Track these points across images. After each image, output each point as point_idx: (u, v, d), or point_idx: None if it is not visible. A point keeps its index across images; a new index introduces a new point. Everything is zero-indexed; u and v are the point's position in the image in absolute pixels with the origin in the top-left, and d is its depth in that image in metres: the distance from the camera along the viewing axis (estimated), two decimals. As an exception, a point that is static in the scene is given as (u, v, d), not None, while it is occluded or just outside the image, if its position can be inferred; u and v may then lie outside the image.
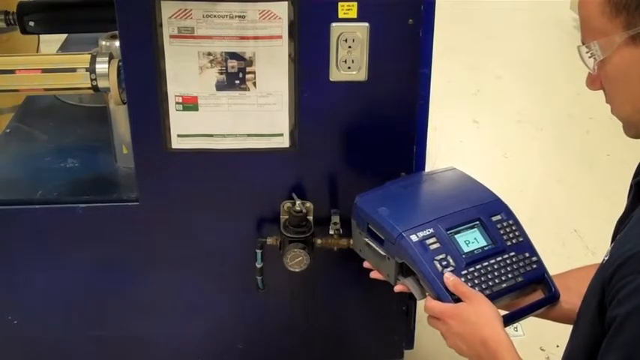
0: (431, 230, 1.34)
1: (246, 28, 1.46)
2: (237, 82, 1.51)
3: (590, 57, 1.05)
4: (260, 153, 1.58)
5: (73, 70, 1.59)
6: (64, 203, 1.64)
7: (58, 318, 1.77)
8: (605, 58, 1.03)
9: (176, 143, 1.57)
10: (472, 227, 1.36)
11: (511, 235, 1.37)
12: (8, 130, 1.95)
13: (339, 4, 1.46)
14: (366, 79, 1.53)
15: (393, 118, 1.59)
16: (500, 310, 1.27)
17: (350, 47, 1.49)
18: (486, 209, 1.40)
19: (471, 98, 3.62)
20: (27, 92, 1.87)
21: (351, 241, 1.59)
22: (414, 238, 1.33)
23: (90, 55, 1.60)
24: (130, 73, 1.52)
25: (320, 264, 1.67)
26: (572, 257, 2.46)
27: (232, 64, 1.49)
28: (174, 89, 1.52)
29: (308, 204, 1.63)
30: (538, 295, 1.36)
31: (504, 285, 1.31)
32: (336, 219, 1.64)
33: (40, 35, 2.27)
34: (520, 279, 1.33)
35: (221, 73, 1.50)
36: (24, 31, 1.97)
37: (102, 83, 1.59)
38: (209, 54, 1.48)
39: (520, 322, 1.35)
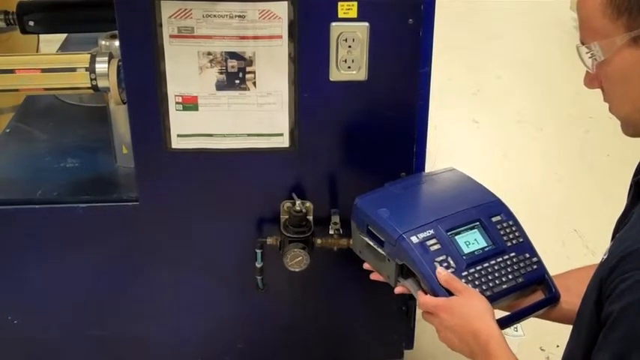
0: (431, 231, 1.33)
1: (246, 27, 1.46)
2: (237, 81, 1.51)
3: (590, 57, 1.05)
4: (260, 153, 1.58)
5: (73, 69, 1.59)
6: (64, 203, 1.64)
7: (58, 318, 1.77)
8: (606, 59, 1.03)
9: (176, 143, 1.57)
10: (472, 228, 1.36)
11: (511, 236, 1.37)
12: (8, 130, 1.95)
13: (339, 3, 1.46)
14: (366, 78, 1.53)
15: (393, 117, 1.59)
16: (500, 311, 1.27)
17: (350, 47, 1.49)
18: (486, 210, 1.40)
19: (470, 98, 3.62)
20: (27, 92, 1.87)
21: (351, 241, 1.59)
22: (414, 239, 1.33)
23: (90, 55, 1.60)
24: (129, 72, 1.52)
25: (320, 264, 1.66)
26: (572, 257, 2.46)
27: (232, 63, 1.49)
28: (174, 89, 1.51)
29: (308, 204, 1.63)
30: (538, 296, 1.36)
31: (505, 286, 1.31)
32: (335, 219, 1.64)
33: (40, 35, 2.27)
34: (521, 280, 1.33)
35: (221, 73, 1.50)
36: (24, 31, 1.97)
37: (102, 83, 1.59)
38: (209, 54, 1.48)
39: (520, 322, 1.35)
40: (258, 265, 1.67)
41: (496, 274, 1.32)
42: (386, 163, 1.64)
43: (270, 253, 1.66)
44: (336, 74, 1.52)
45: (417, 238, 1.33)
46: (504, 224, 1.38)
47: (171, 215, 1.66)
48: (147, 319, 1.78)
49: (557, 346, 1.97)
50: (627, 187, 1.19)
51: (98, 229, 1.66)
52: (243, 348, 1.84)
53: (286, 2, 1.45)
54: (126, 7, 1.45)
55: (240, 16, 1.45)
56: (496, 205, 1.42)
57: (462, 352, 1.23)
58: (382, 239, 1.40)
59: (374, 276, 1.48)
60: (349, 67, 1.51)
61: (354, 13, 1.47)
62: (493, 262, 1.33)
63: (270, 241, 1.64)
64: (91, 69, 1.58)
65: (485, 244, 1.35)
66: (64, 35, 2.45)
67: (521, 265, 1.34)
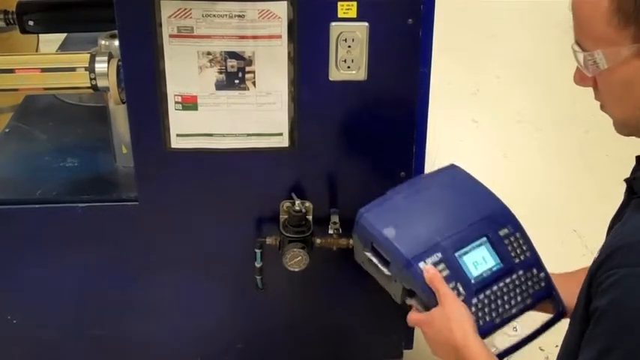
0: (439, 255, 1.29)
1: (246, 27, 1.46)
2: (237, 81, 1.51)
3: (591, 64, 1.02)
4: (259, 152, 1.58)
5: (73, 69, 1.58)
6: (64, 203, 1.64)
7: (58, 317, 1.77)
8: (609, 67, 1.01)
9: (175, 143, 1.57)
10: (480, 245, 1.32)
11: (519, 251, 1.34)
12: (7, 130, 1.95)
13: (339, 3, 1.46)
14: (365, 78, 1.53)
15: (393, 117, 1.59)
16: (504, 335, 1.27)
17: (349, 47, 1.49)
18: (493, 222, 1.36)
19: (470, 98, 3.62)
20: (26, 91, 1.86)
21: (351, 241, 1.59)
22: (422, 266, 1.28)
23: (89, 55, 1.60)
24: (129, 72, 1.52)
25: (319, 263, 1.66)
26: (572, 257, 2.46)
27: (232, 63, 1.49)
28: (174, 89, 1.51)
29: (307, 203, 1.63)
30: (544, 307, 1.34)
31: (514, 310, 1.29)
32: (335, 218, 1.64)
33: (40, 34, 2.27)
34: (529, 300, 1.31)
35: (220, 73, 1.50)
36: (23, 31, 1.97)
37: (101, 82, 1.58)
38: (208, 53, 1.48)
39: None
40: (258, 264, 1.67)
41: (505, 298, 1.29)
42: (385, 162, 1.64)
43: (269, 253, 1.65)
44: (336, 74, 1.52)
45: (426, 264, 1.28)
46: (511, 238, 1.34)
47: (170, 215, 1.66)
48: (146, 319, 1.78)
49: (557, 346, 1.97)
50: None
51: (97, 229, 1.66)
52: (242, 348, 1.84)
53: (286, 2, 1.45)
54: (125, 7, 1.45)
55: (239, 16, 1.45)
56: (502, 215, 1.38)
57: None
58: (388, 260, 1.36)
59: None
60: (349, 67, 1.51)
61: (353, 13, 1.47)
62: (502, 284, 1.30)
63: (269, 240, 1.64)
64: (90, 69, 1.58)
65: (494, 263, 1.31)
66: (64, 35, 2.45)
67: (529, 283, 1.32)
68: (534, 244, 1.39)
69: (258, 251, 1.65)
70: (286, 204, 1.63)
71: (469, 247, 1.32)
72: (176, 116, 1.54)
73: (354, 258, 1.49)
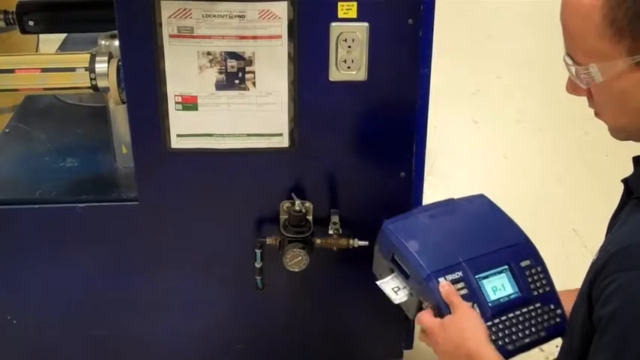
0: (460, 274, 1.30)
1: (246, 27, 1.46)
2: (237, 81, 1.51)
3: (586, 77, 1.02)
4: (259, 153, 1.58)
5: (73, 69, 1.58)
6: (64, 203, 1.64)
7: (58, 318, 1.77)
8: (605, 80, 1.00)
9: (175, 143, 1.57)
10: (501, 272, 1.33)
11: (538, 284, 1.34)
12: (7, 130, 1.95)
13: (339, 3, 1.46)
14: (365, 79, 1.53)
15: (393, 117, 1.59)
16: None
17: (350, 47, 1.49)
18: (516, 253, 1.36)
19: (470, 98, 3.62)
20: (26, 92, 1.86)
21: (351, 242, 1.59)
22: (442, 281, 1.29)
23: (89, 55, 1.60)
24: (129, 72, 1.52)
25: (319, 264, 1.66)
26: (571, 257, 2.46)
27: (232, 63, 1.49)
28: (174, 89, 1.51)
29: (307, 204, 1.63)
30: None
31: (527, 340, 1.28)
32: (335, 219, 1.64)
33: (40, 34, 2.27)
34: (543, 333, 1.30)
35: (221, 73, 1.50)
36: (23, 31, 1.97)
37: (101, 83, 1.58)
38: (209, 54, 1.48)
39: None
40: (258, 265, 1.67)
41: (519, 327, 1.29)
42: (386, 163, 1.64)
43: (269, 253, 1.65)
44: (336, 74, 1.52)
45: (445, 280, 1.29)
46: (533, 270, 1.34)
47: (170, 215, 1.66)
48: (146, 319, 1.78)
49: (557, 346, 1.97)
50: (625, 187, 1.20)
51: (97, 229, 1.66)
52: (242, 348, 1.84)
53: (286, 2, 1.45)
54: (126, 7, 1.45)
55: (239, 16, 1.45)
56: (526, 248, 1.38)
57: None
58: (408, 273, 1.36)
59: None
60: (349, 68, 1.51)
61: (353, 14, 1.47)
62: (518, 312, 1.30)
63: (269, 241, 1.64)
64: (90, 69, 1.58)
65: (512, 291, 1.31)
66: (64, 35, 2.45)
67: (545, 317, 1.32)
68: (534, 245, 1.39)
69: (258, 251, 1.65)
70: (286, 204, 1.63)
71: (490, 272, 1.32)
72: (176, 116, 1.54)
73: (373, 272, 1.48)
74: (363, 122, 1.59)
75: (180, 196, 1.64)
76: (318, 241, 1.63)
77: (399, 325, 1.83)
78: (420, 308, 1.34)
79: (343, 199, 1.65)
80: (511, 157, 3.16)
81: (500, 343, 1.26)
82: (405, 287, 1.37)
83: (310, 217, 1.64)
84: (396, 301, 1.38)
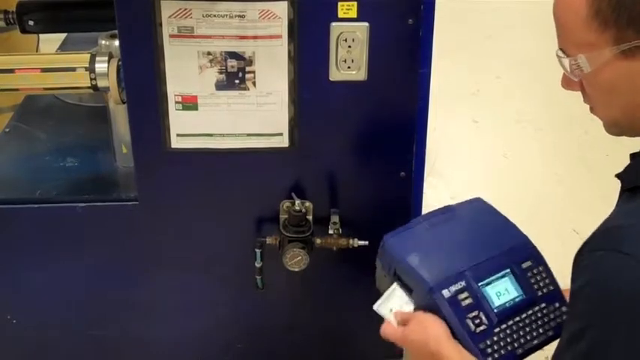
0: (462, 283, 1.29)
1: (246, 27, 1.46)
2: (237, 81, 1.51)
3: (575, 68, 1.04)
4: (260, 152, 1.58)
5: (73, 69, 1.59)
6: (64, 202, 1.64)
7: (57, 317, 1.77)
8: (593, 70, 1.02)
9: (175, 143, 1.57)
10: (503, 276, 1.32)
11: (542, 284, 1.34)
12: (7, 130, 1.95)
13: (339, 3, 1.46)
14: (365, 78, 1.53)
15: (393, 117, 1.59)
16: None
17: (350, 47, 1.49)
18: (516, 255, 1.36)
19: (470, 98, 3.62)
20: (26, 91, 1.87)
21: (351, 241, 1.59)
22: (445, 293, 1.28)
23: (89, 55, 1.60)
24: (129, 72, 1.52)
25: (319, 264, 1.66)
26: (571, 257, 2.45)
27: (232, 63, 1.49)
28: (174, 89, 1.51)
29: (307, 203, 1.63)
30: None
31: (536, 341, 1.28)
32: (335, 218, 1.64)
33: (40, 34, 2.27)
34: (550, 333, 1.30)
35: (221, 73, 1.50)
36: (23, 30, 1.98)
37: (101, 82, 1.59)
38: (209, 53, 1.48)
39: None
40: (258, 264, 1.67)
41: (527, 329, 1.29)
42: (385, 162, 1.64)
43: (269, 253, 1.65)
44: (336, 74, 1.52)
45: (449, 291, 1.28)
46: (534, 271, 1.35)
47: (170, 215, 1.66)
48: (146, 319, 1.78)
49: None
50: (626, 187, 1.20)
51: (97, 229, 1.66)
52: (242, 348, 1.84)
53: (286, 2, 1.45)
54: (126, 7, 1.45)
55: (239, 16, 1.45)
56: (525, 248, 1.37)
57: None
58: (411, 287, 1.36)
59: None
60: (349, 67, 1.51)
61: (353, 13, 1.47)
62: (524, 315, 1.30)
63: (269, 240, 1.64)
64: (90, 68, 1.58)
65: (517, 294, 1.31)
66: (64, 35, 2.45)
67: (552, 316, 1.31)
68: (534, 244, 1.39)
69: (258, 251, 1.65)
70: (286, 204, 1.63)
71: (492, 277, 1.32)
72: (176, 116, 1.54)
73: (377, 287, 1.47)
74: (363, 122, 1.59)
75: (180, 196, 1.64)
76: (318, 240, 1.63)
77: (399, 324, 1.83)
78: None
79: (343, 198, 1.65)
80: (511, 157, 3.16)
81: (509, 348, 1.26)
82: (409, 302, 1.38)
83: (310, 217, 1.64)
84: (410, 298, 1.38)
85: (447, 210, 1.48)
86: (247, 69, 1.50)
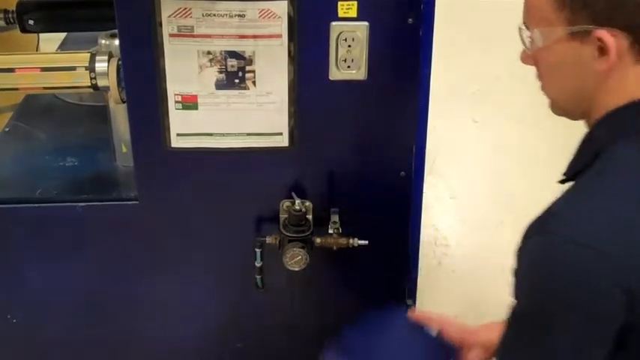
0: None
1: (246, 26, 1.46)
2: (237, 81, 1.51)
3: (530, 41, 1.10)
4: (259, 152, 1.58)
5: (73, 68, 1.59)
6: (64, 202, 1.64)
7: (58, 317, 1.77)
8: (544, 45, 1.07)
9: (175, 142, 1.57)
10: None
11: None
12: (7, 129, 1.96)
13: (339, 3, 1.46)
14: (365, 78, 1.53)
15: (393, 117, 1.59)
16: None
17: (350, 46, 1.49)
18: None
19: (470, 98, 3.62)
20: (26, 91, 1.86)
21: (351, 241, 1.59)
22: None
23: (89, 54, 1.60)
24: (129, 71, 1.52)
25: (319, 263, 1.66)
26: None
27: (232, 63, 1.49)
28: (174, 88, 1.51)
29: (307, 203, 1.63)
30: None
31: None
32: (335, 218, 1.64)
33: (40, 34, 2.27)
34: None
35: (221, 72, 1.50)
36: (23, 30, 1.98)
37: (101, 82, 1.59)
38: (209, 53, 1.48)
39: None
40: (258, 264, 1.67)
41: None
42: (385, 162, 1.64)
43: (269, 253, 1.65)
44: (336, 73, 1.52)
45: None
46: None
47: (170, 214, 1.66)
48: (146, 318, 1.78)
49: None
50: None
51: (97, 228, 1.66)
52: (242, 347, 1.84)
53: (286, 1, 1.45)
54: (126, 6, 1.45)
55: (239, 15, 1.45)
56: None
57: None
58: None
59: None
60: (349, 67, 1.51)
61: (353, 13, 1.47)
62: None
63: (269, 240, 1.64)
64: (90, 68, 1.58)
65: None
66: (64, 34, 2.45)
67: None
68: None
69: (258, 250, 1.65)
70: (286, 203, 1.63)
71: None
72: (176, 115, 1.54)
73: None
74: (362, 122, 1.59)
75: (180, 196, 1.64)
76: (318, 240, 1.63)
77: (398, 324, 1.83)
78: None
79: (343, 198, 1.65)
80: (511, 157, 3.16)
81: None
82: None
83: (310, 217, 1.64)
84: None
85: (372, 329, 1.49)
86: (247, 68, 1.50)
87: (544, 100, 1.20)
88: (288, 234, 1.61)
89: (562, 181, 1.15)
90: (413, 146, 1.62)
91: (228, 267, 1.73)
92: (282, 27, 1.47)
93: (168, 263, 1.71)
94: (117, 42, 1.62)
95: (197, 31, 1.46)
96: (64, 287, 1.73)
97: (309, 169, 1.63)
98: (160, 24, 1.46)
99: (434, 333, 1.42)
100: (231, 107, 1.54)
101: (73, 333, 1.79)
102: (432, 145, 1.80)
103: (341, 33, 1.48)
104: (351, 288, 1.77)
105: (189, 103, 1.53)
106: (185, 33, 1.47)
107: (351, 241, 1.62)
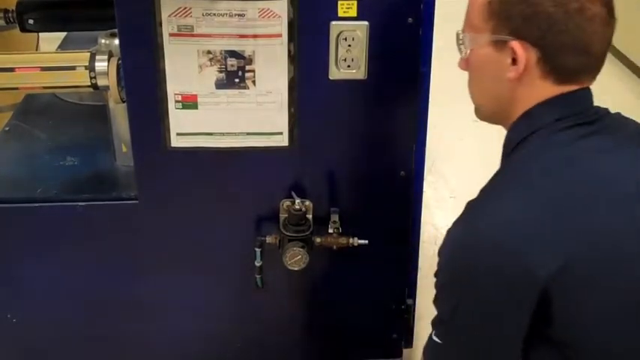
0: None
1: (246, 26, 1.46)
2: (237, 80, 1.51)
3: (461, 44, 1.20)
4: (259, 151, 1.58)
5: (73, 68, 1.58)
6: (64, 201, 1.64)
7: (57, 316, 1.77)
8: (471, 50, 1.18)
9: (175, 142, 1.57)
10: None
11: None
12: (7, 129, 1.95)
13: (339, 2, 1.46)
14: (365, 77, 1.53)
15: (393, 116, 1.59)
16: None
17: (349, 46, 1.49)
18: None
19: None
20: (26, 90, 1.86)
21: (351, 240, 1.58)
22: None
23: (89, 53, 1.60)
24: (129, 71, 1.52)
25: (319, 262, 1.67)
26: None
27: (232, 62, 1.49)
28: (174, 88, 1.51)
29: (307, 202, 1.63)
30: None
31: None
32: (335, 217, 1.64)
33: (40, 33, 2.27)
34: None
35: (220, 72, 1.50)
36: (23, 29, 1.97)
37: (101, 81, 1.58)
38: (209, 52, 1.48)
39: None
40: (258, 263, 1.67)
41: None
42: (385, 162, 1.64)
43: (269, 252, 1.65)
44: (336, 73, 1.52)
45: None
46: None
47: (170, 214, 1.66)
48: (146, 318, 1.78)
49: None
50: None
51: (97, 228, 1.66)
52: (242, 347, 1.84)
53: (286, 1, 1.45)
54: (126, 6, 1.45)
55: (239, 15, 1.45)
56: None
57: None
58: None
59: None
60: (349, 66, 1.51)
61: (353, 12, 1.47)
62: None
63: (269, 239, 1.64)
64: (90, 67, 1.58)
65: None
66: (64, 33, 2.45)
67: None
68: None
69: (257, 250, 1.65)
70: (286, 203, 1.63)
71: None
72: (176, 115, 1.54)
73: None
74: (362, 121, 1.59)
75: (180, 195, 1.64)
76: (318, 239, 1.63)
77: (398, 323, 1.83)
78: None
79: (343, 197, 1.65)
80: (511, 156, 3.16)
81: None
82: None
83: (310, 216, 1.64)
84: None
85: None
86: (247, 68, 1.50)
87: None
88: (288, 234, 1.61)
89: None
90: (413, 146, 1.62)
91: (228, 267, 1.73)
92: (282, 26, 1.47)
93: (169, 263, 1.71)
94: (117, 41, 1.61)
95: (197, 30, 1.46)
96: (64, 287, 1.73)
97: (309, 168, 1.63)
98: (160, 23, 1.46)
99: None
100: (231, 107, 1.54)
101: (72, 332, 1.79)
102: (432, 145, 1.80)
103: (341, 32, 1.48)
104: (351, 288, 1.77)
105: (189, 103, 1.53)
106: (185, 32, 1.47)
107: (351, 240, 1.62)
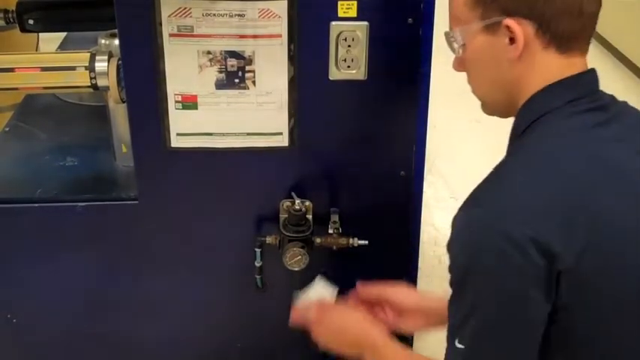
0: None
1: (246, 26, 1.46)
2: (237, 80, 1.51)
3: (453, 42, 1.17)
4: (259, 152, 1.58)
5: (73, 68, 1.59)
6: (64, 202, 1.64)
7: (57, 317, 1.77)
8: (465, 43, 1.15)
9: (175, 142, 1.57)
10: None
11: None
12: (7, 129, 1.95)
13: (339, 2, 1.46)
14: (365, 78, 1.53)
15: (393, 117, 1.59)
16: None
17: (349, 46, 1.49)
18: None
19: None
20: (26, 90, 1.86)
21: (351, 240, 1.58)
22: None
23: (89, 54, 1.60)
24: (129, 71, 1.52)
25: (319, 263, 1.66)
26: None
27: (232, 62, 1.49)
28: (174, 88, 1.51)
29: (307, 203, 1.63)
30: None
31: None
32: (335, 218, 1.64)
33: (40, 33, 2.27)
34: None
35: (220, 72, 1.50)
36: (23, 29, 1.97)
37: (101, 82, 1.59)
38: (208, 53, 1.48)
39: None
40: (258, 264, 1.67)
41: None
42: (385, 162, 1.64)
43: (269, 252, 1.65)
44: (336, 73, 1.52)
45: None
46: None
47: (170, 214, 1.66)
48: (146, 318, 1.78)
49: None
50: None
51: (97, 228, 1.66)
52: (242, 347, 1.84)
53: (286, 1, 1.45)
54: (126, 6, 1.45)
55: (239, 15, 1.45)
56: None
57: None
58: None
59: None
60: (349, 67, 1.51)
61: (353, 12, 1.47)
62: None
63: (269, 240, 1.64)
64: (90, 68, 1.58)
65: None
66: (64, 34, 2.45)
67: None
68: None
69: (257, 250, 1.65)
70: (286, 203, 1.63)
71: None
72: (176, 115, 1.54)
73: None
74: (362, 121, 1.59)
75: (180, 195, 1.64)
76: (318, 240, 1.63)
77: (398, 324, 1.83)
78: None
79: (343, 197, 1.65)
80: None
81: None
82: (332, 292, 1.46)
83: (310, 216, 1.64)
84: None
85: None
86: (247, 68, 1.50)
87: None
88: (288, 234, 1.61)
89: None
90: (413, 146, 1.62)
91: (228, 267, 1.73)
92: (282, 27, 1.47)
93: (168, 263, 1.71)
94: (117, 42, 1.62)
95: (197, 30, 1.46)
96: (64, 287, 1.73)
97: (309, 168, 1.63)
98: (160, 24, 1.46)
99: None
100: (231, 107, 1.54)
101: (72, 333, 1.79)
102: (432, 145, 1.80)
103: (341, 33, 1.48)
104: (351, 288, 1.77)
105: (189, 103, 1.53)
106: (185, 33, 1.47)
107: (351, 240, 1.62)
